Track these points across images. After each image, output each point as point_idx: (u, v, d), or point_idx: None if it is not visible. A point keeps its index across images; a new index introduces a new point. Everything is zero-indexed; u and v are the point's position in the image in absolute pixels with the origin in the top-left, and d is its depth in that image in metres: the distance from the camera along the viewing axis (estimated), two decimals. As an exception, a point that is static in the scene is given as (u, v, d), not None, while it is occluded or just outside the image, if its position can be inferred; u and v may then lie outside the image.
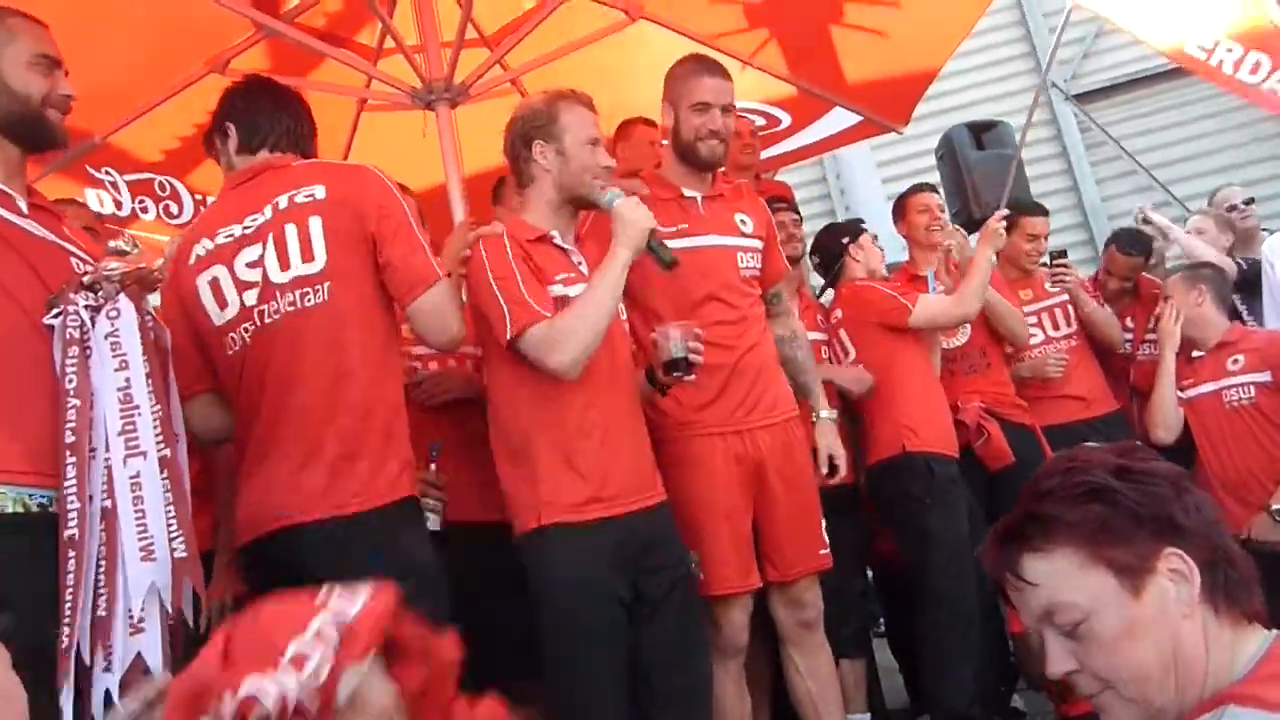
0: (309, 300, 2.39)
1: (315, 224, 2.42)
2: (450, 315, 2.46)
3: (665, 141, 3.18)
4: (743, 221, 3.11)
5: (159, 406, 2.09)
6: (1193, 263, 4.63)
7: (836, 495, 3.28)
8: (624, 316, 2.82)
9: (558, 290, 2.62)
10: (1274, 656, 1.27)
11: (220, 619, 2.78)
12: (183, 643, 2.09)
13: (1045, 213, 4.67)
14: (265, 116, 2.60)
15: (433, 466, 2.80)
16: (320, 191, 2.45)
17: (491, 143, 4.10)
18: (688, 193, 3.07)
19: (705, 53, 4.08)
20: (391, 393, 2.48)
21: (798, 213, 4.25)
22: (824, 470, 3.15)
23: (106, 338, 2.05)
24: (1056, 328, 4.46)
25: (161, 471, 2.04)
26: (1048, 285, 4.48)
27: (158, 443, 2.05)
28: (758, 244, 3.13)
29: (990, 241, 3.91)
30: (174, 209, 4.20)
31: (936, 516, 3.62)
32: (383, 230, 2.42)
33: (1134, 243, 4.87)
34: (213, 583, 2.80)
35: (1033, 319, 4.41)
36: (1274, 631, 1.31)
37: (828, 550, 3.04)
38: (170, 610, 2.02)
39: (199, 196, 4.22)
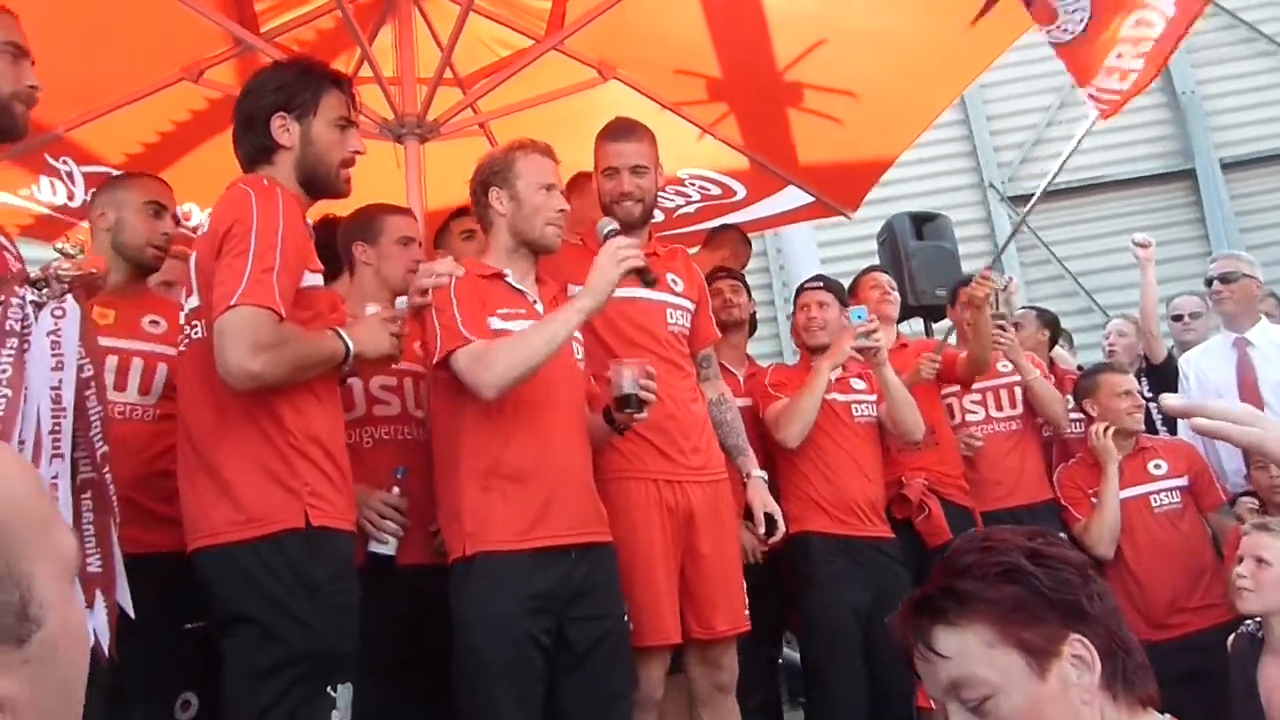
0: (195, 333, 2.40)
1: (192, 260, 2.43)
2: (226, 346, 2.21)
3: None
4: (674, 281, 3.21)
5: (100, 408, 2.08)
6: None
7: (755, 565, 3.34)
8: (579, 356, 2.88)
9: (495, 324, 2.70)
10: None
11: None
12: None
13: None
14: (239, 134, 2.54)
15: (395, 490, 2.80)
16: (206, 223, 2.42)
17: (454, 181, 4.23)
18: None
19: (667, 117, 4.30)
20: (280, 425, 2.32)
21: (741, 280, 4.32)
22: (762, 529, 3.19)
23: (48, 335, 2.03)
24: (1000, 408, 4.45)
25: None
26: (1000, 365, 4.45)
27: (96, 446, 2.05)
28: (687, 304, 3.24)
29: (832, 357, 3.83)
30: (127, 206, 4.18)
31: (815, 594, 3.72)
32: (221, 251, 2.28)
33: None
34: None
35: (978, 396, 4.45)
36: (1166, 716, 1.39)
37: (748, 614, 3.09)
38: None
39: (155, 199, 4.22)
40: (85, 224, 4.06)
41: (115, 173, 4.11)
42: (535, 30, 4.14)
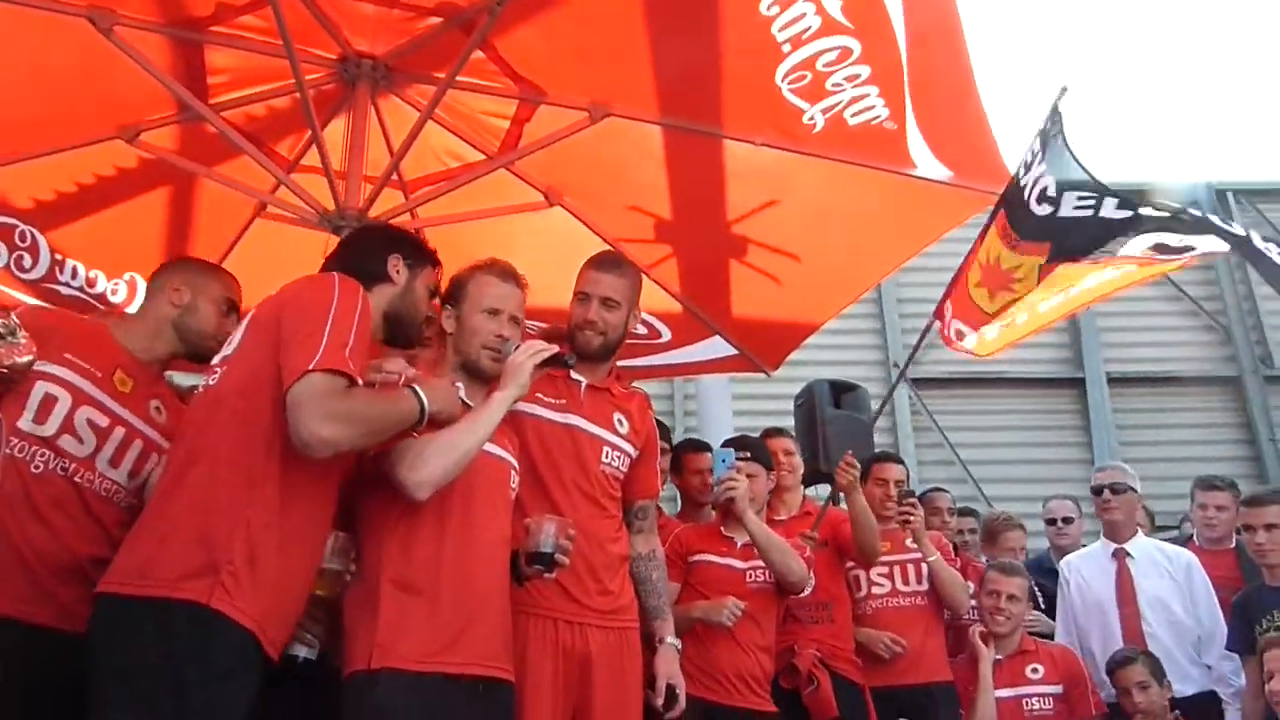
0: (211, 380, 2.43)
1: (249, 315, 2.46)
2: (300, 415, 2.18)
3: None
4: (619, 421, 3.13)
5: None
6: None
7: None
8: (514, 485, 2.76)
9: None
10: None
11: None
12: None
13: (899, 460, 4.86)
14: (349, 253, 2.76)
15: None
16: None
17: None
18: (574, 376, 3.09)
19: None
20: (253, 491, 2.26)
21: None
22: (660, 701, 3.03)
23: None
24: (906, 582, 4.44)
25: None
26: (908, 542, 4.49)
27: None
28: (628, 447, 3.14)
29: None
30: (27, 262, 3.91)
31: None
32: (290, 321, 2.30)
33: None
34: None
35: (884, 569, 4.43)
36: None
37: None
38: None
39: (59, 256, 3.97)
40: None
41: (21, 226, 3.89)
42: (489, 146, 4.09)
